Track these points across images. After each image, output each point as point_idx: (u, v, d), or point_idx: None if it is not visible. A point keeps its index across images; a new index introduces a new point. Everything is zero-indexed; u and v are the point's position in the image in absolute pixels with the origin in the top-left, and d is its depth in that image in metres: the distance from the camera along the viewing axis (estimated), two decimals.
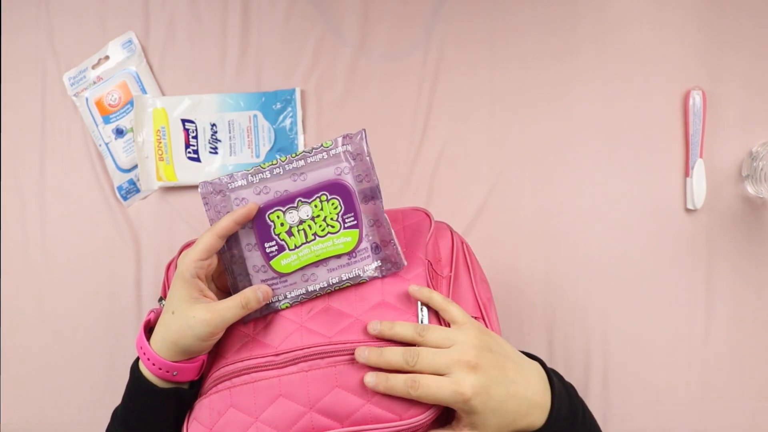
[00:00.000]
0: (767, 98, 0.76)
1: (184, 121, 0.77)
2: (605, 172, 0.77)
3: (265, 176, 0.54)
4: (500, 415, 0.50)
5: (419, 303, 0.54)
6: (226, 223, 0.53)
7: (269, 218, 0.54)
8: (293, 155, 0.54)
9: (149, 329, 0.55)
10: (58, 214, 0.79)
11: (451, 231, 0.62)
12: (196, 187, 0.77)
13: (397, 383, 0.50)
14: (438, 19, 0.78)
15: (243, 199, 0.54)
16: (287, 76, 0.78)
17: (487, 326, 0.57)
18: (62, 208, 0.79)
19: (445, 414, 0.52)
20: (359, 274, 0.56)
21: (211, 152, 0.77)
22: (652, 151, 0.77)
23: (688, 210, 0.76)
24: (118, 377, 0.74)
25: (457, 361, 0.50)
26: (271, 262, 0.55)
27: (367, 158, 0.54)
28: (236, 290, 0.55)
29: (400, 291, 0.55)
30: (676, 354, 0.76)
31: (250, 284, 0.55)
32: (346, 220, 0.55)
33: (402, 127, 0.78)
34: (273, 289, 0.55)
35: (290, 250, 0.54)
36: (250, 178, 0.54)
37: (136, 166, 0.78)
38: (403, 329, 0.52)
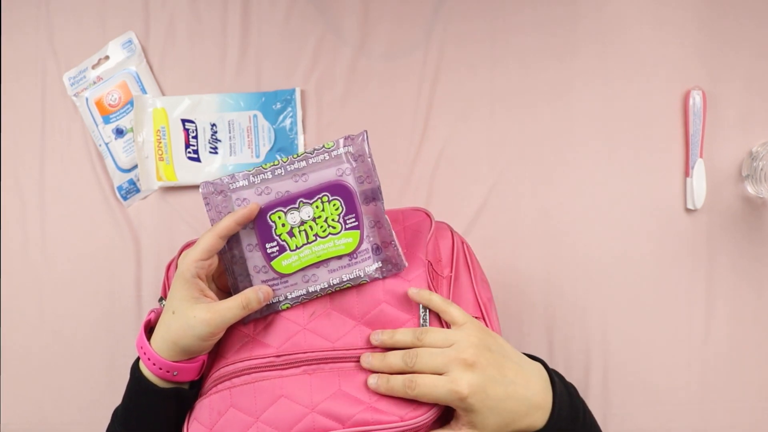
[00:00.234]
0: (767, 98, 0.76)
1: (184, 121, 0.77)
2: (605, 172, 0.77)
3: (266, 177, 0.54)
4: (499, 414, 0.50)
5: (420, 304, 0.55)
6: (227, 223, 0.53)
7: (270, 219, 0.54)
8: (295, 156, 0.54)
9: (150, 329, 0.55)
10: (58, 214, 0.78)
11: (452, 231, 0.62)
12: (196, 187, 0.77)
13: (397, 384, 0.50)
14: (438, 19, 0.78)
15: (244, 199, 0.54)
16: (287, 76, 0.78)
17: (487, 326, 0.57)
18: (62, 208, 0.78)
19: (446, 414, 0.52)
20: (360, 275, 0.56)
21: (211, 152, 0.77)
22: (652, 151, 0.77)
23: (688, 210, 0.76)
24: (118, 377, 0.74)
25: (455, 359, 0.50)
26: (272, 263, 0.55)
27: (369, 160, 0.54)
28: (237, 291, 0.55)
29: (401, 292, 0.55)
30: (676, 354, 0.76)
31: (251, 285, 0.55)
32: (348, 221, 0.55)
33: (402, 127, 0.78)
34: (274, 290, 0.55)
35: (291, 250, 0.54)
36: (251, 178, 0.54)
37: (136, 166, 0.78)
38: (402, 336, 0.53)
